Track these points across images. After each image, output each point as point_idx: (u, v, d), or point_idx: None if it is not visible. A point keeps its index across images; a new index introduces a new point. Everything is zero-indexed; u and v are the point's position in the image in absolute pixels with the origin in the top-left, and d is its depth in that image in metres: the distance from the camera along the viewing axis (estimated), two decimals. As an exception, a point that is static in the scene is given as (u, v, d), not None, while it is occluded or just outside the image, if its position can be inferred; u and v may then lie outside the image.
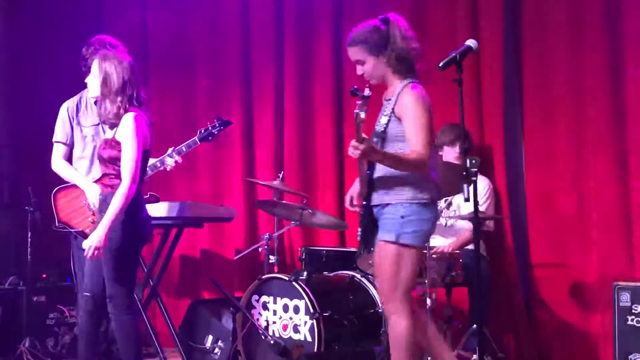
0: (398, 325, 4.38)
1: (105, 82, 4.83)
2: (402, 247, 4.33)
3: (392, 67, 4.48)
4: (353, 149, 4.18)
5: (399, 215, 4.35)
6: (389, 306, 4.44)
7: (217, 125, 5.71)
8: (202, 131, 5.65)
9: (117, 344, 5.06)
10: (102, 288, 4.94)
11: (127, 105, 4.83)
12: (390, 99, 4.46)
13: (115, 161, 4.83)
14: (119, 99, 4.81)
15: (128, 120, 4.79)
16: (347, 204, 4.67)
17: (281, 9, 7.46)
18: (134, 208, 4.79)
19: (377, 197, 4.46)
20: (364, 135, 4.21)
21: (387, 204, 4.41)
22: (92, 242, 4.67)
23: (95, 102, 5.70)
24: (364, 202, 4.52)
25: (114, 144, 4.82)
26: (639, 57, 5.73)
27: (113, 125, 4.88)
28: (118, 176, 4.80)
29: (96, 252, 4.68)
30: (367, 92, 4.11)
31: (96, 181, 5.17)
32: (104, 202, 4.85)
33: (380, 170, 4.42)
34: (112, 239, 4.75)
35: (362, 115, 4.09)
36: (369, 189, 4.49)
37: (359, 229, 4.54)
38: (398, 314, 4.38)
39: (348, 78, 7.14)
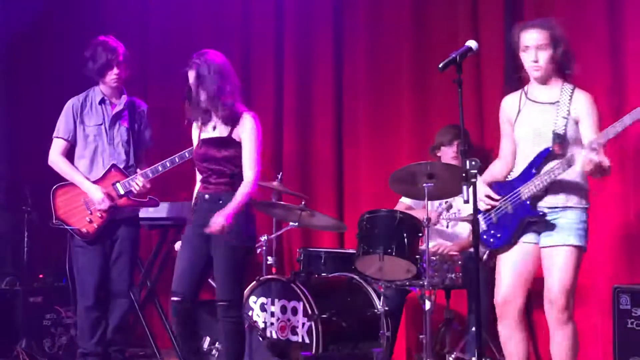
0: (569, 330, 4.48)
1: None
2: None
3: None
4: None
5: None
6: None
7: None
8: None
9: (225, 348, 5.10)
10: (192, 291, 5.02)
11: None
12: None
13: (230, 160, 5.01)
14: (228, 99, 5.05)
15: (249, 120, 5.07)
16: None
17: (281, 6, 7.48)
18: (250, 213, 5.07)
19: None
20: None
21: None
22: (220, 220, 4.79)
23: (100, 102, 5.77)
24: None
25: (230, 143, 5.03)
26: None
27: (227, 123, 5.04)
28: (227, 175, 5.03)
29: (221, 228, 4.81)
30: None
31: (203, 182, 5.15)
32: (218, 202, 4.98)
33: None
34: (233, 238, 4.91)
35: None
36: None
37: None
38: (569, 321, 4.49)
39: (348, 78, 7.19)
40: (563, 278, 4.43)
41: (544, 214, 4.49)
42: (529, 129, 4.57)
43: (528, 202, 4.52)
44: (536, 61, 4.52)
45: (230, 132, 5.10)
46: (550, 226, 4.49)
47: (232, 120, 5.11)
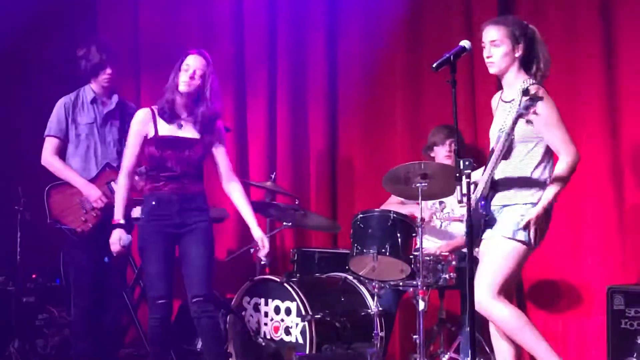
0: (501, 314, 4.57)
1: None
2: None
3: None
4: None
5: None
6: None
7: None
8: None
9: (206, 344, 5.15)
10: (171, 292, 5.10)
11: None
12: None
13: (202, 161, 5.26)
14: None
15: (221, 127, 5.27)
16: None
17: (274, 4, 7.49)
18: None
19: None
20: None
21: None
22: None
23: (92, 102, 5.78)
24: None
25: (202, 145, 5.19)
26: (633, 59, 5.73)
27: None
28: (197, 175, 5.29)
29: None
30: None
31: (168, 180, 5.16)
32: (192, 203, 5.16)
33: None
34: (209, 234, 5.18)
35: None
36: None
37: None
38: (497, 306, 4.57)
39: (342, 78, 7.21)
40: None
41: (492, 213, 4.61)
42: (495, 129, 4.67)
43: (482, 202, 4.58)
44: (489, 57, 4.60)
45: (203, 135, 5.19)
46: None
47: (207, 124, 5.21)
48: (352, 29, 7.16)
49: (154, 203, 5.09)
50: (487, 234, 4.61)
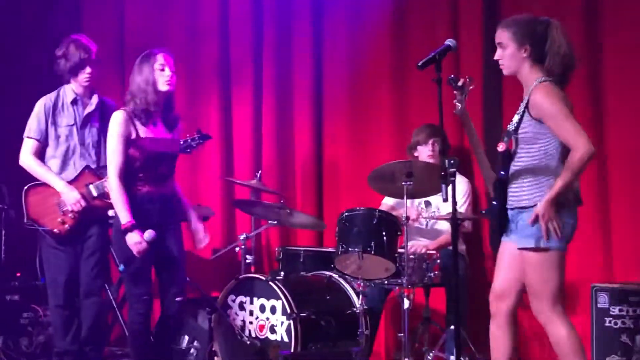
0: (555, 334, 4.41)
1: None
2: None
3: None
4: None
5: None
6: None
7: (196, 138, 5.68)
8: (182, 142, 5.64)
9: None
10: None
11: None
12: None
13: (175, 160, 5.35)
14: None
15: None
16: None
17: (260, 4, 7.49)
18: None
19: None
20: None
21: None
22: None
23: (72, 103, 5.77)
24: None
25: (175, 143, 5.32)
26: (617, 57, 5.76)
27: None
28: (173, 175, 5.36)
29: None
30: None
31: (149, 181, 5.19)
32: (172, 202, 5.29)
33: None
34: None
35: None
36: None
37: None
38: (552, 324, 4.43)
39: (327, 77, 7.22)
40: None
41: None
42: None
43: (494, 202, 4.56)
44: (498, 59, 4.57)
45: (173, 133, 5.30)
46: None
47: (172, 122, 5.32)
48: (338, 29, 7.16)
49: (135, 202, 5.10)
50: (506, 237, 4.56)
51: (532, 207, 4.37)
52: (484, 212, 4.81)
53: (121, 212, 5.02)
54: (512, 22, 4.53)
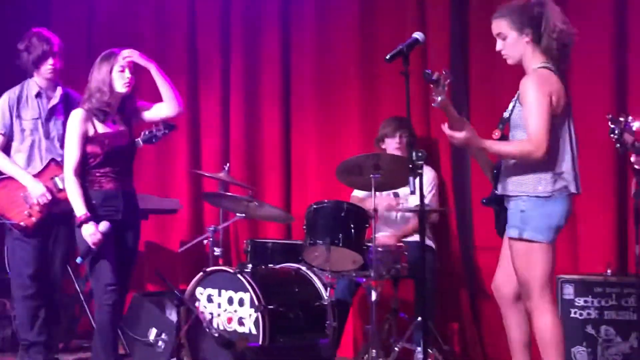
0: (539, 322, 4.44)
1: None
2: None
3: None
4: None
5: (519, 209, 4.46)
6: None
7: (161, 128, 5.70)
8: (146, 133, 5.65)
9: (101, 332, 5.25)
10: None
11: None
12: None
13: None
14: None
15: None
16: None
17: (228, 1, 7.52)
18: None
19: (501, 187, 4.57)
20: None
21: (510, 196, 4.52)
22: None
23: (37, 96, 5.81)
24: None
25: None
26: (582, 46, 5.79)
27: None
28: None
29: None
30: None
31: (112, 176, 5.22)
32: (134, 198, 5.39)
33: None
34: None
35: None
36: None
37: None
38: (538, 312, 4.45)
39: (296, 69, 7.25)
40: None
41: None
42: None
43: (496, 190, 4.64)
44: (500, 50, 4.56)
45: (131, 128, 5.35)
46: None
47: (129, 119, 5.36)
48: (306, 21, 7.18)
49: (101, 198, 5.16)
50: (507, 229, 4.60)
51: (517, 196, 4.43)
52: (484, 201, 4.78)
53: (76, 205, 5.08)
54: (508, 10, 4.49)
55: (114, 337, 5.29)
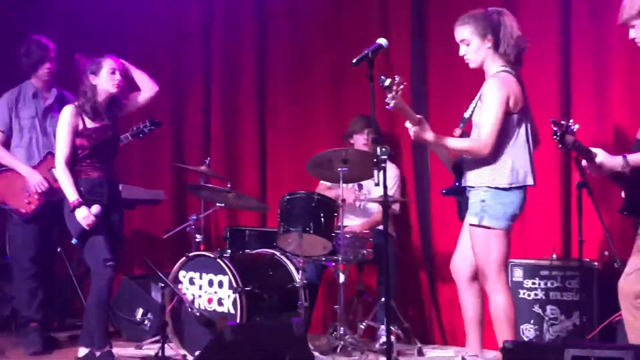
0: (495, 301, 4.69)
1: None
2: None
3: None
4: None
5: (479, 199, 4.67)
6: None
7: (147, 125, 6.04)
8: (134, 129, 5.99)
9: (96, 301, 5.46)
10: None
11: None
12: None
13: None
14: None
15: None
16: None
17: (211, 6, 7.62)
18: None
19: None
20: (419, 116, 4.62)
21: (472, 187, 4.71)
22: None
23: (33, 96, 6.05)
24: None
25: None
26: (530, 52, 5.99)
27: None
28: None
29: None
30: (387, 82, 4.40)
31: (99, 166, 5.51)
32: (118, 186, 5.67)
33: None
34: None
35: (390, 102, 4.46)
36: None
37: None
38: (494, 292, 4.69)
39: (271, 70, 7.37)
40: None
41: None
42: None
43: (456, 183, 4.89)
44: (464, 55, 4.75)
45: (116, 123, 5.63)
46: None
47: (115, 115, 5.64)
48: (280, 27, 7.35)
49: (89, 185, 5.44)
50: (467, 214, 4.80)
51: (478, 187, 4.67)
52: (444, 191, 4.98)
53: (68, 192, 5.34)
54: (470, 18, 4.69)
55: (108, 314, 5.51)
